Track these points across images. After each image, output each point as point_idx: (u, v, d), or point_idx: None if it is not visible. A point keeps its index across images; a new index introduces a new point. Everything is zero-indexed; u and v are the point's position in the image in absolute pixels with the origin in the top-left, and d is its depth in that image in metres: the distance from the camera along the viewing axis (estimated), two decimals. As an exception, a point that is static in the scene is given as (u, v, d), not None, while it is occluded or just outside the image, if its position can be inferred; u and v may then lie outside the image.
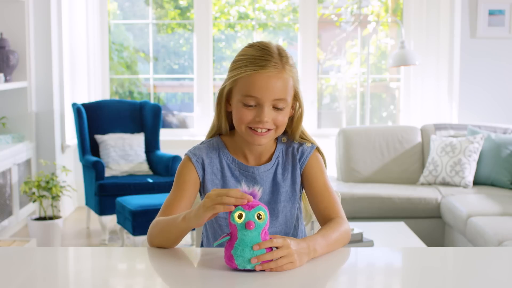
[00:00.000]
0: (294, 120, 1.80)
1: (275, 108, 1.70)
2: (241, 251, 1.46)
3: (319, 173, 1.80)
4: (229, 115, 1.79)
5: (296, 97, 1.76)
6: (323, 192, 1.78)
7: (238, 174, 1.79)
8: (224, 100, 1.77)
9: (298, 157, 1.81)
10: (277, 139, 1.83)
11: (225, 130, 1.82)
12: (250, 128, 1.71)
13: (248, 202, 1.48)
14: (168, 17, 6.39)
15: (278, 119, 1.71)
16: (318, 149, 1.84)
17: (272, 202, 1.80)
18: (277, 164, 1.81)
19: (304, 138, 1.83)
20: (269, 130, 1.72)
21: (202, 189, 1.79)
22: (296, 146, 1.82)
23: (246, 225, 1.46)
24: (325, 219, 1.75)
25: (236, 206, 1.48)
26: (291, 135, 1.83)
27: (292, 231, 1.83)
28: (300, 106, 1.78)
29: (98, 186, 4.82)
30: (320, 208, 1.77)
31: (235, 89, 1.72)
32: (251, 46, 1.73)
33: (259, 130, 1.71)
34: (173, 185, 1.77)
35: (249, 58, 1.70)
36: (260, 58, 1.68)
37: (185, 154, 1.80)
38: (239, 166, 1.80)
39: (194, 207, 1.58)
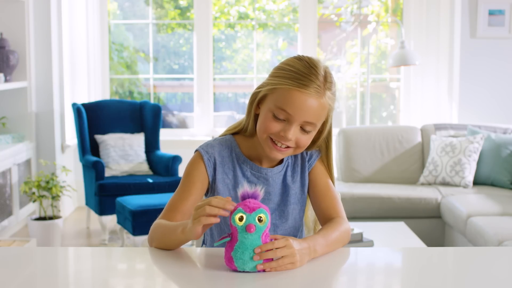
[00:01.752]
0: (316, 142, 1.78)
1: (302, 129, 1.67)
2: (241, 253, 1.46)
3: (323, 173, 1.80)
4: (256, 117, 1.75)
5: (324, 124, 1.72)
6: (326, 192, 1.78)
7: (250, 174, 1.78)
8: (256, 102, 1.73)
9: (307, 159, 1.81)
10: None
11: (250, 132, 1.78)
12: (271, 139, 1.69)
13: (247, 205, 1.46)
14: (168, 17, 6.39)
15: (302, 140, 1.68)
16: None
17: (281, 204, 1.79)
18: (287, 166, 1.80)
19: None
20: (288, 147, 1.69)
21: (211, 189, 1.78)
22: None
23: (247, 228, 1.45)
24: (326, 218, 1.75)
25: (234, 209, 1.47)
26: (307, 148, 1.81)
27: (299, 233, 1.83)
28: (323, 131, 1.75)
29: (98, 186, 4.82)
30: (322, 207, 1.77)
31: (270, 96, 1.67)
32: (300, 59, 1.67)
33: (279, 145, 1.68)
34: (180, 183, 1.75)
35: (294, 71, 1.64)
36: (305, 76, 1.63)
37: (197, 150, 1.77)
38: (252, 167, 1.78)
39: None
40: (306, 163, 1.80)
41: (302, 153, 1.81)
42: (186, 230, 1.55)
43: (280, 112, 1.65)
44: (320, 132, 1.75)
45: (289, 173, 1.80)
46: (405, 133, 5.14)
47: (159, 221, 1.70)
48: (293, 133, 1.66)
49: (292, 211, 1.79)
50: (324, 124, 1.73)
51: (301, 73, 1.64)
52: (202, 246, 1.92)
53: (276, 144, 1.68)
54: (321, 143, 1.79)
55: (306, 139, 1.69)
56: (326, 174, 1.81)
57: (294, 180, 1.80)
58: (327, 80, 1.66)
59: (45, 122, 5.25)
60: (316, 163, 1.81)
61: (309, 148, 1.80)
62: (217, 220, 1.47)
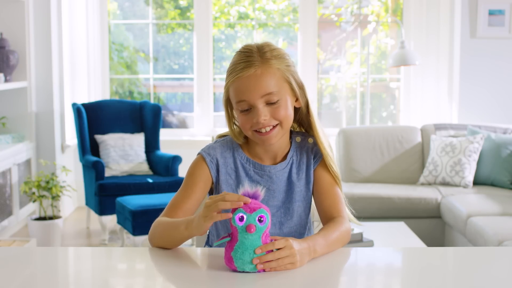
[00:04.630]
0: (300, 111, 1.79)
1: (270, 103, 1.69)
2: (241, 253, 1.46)
3: (328, 172, 1.80)
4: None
5: (292, 87, 1.72)
6: (329, 190, 1.78)
7: (253, 174, 1.78)
8: (227, 110, 1.77)
9: (312, 156, 1.81)
10: (291, 139, 1.82)
11: (241, 142, 1.79)
12: (255, 131, 1.70)
13: (248, 203, 1.47)
14: (168, 17, 6.39)
15: (277, 113, 1.69)
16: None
17: (287, 201, 1.79)
18: (292, 163, 1.80)
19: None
20: (274, 127, 1.70)
21: (215, 190, 1.78)
22: (310, 145, 1.81)
23: (247, 229, 1.45)
24: (327, 217, 1.75)
25: (235, 209, 1.47)
26: (306, 127, 1.82)
27: (306, 231, 1.83)
28: (300, 95, 1.75)
29: (98, 186, 4.82)
30: (324, 206, 1.77)
31: (230, 98, 1.74)
32: (236, 52, 1.74)
33: (263, 130, 1.70)
34: (182, 183, 1.76)
35: (232, 65, 1.71)
36: (240, 62, 1.68)
37: (199, 153, 1.78)
38: (254, 165, 1.78)
39: (198, 212, 1.57)
40: (312, 160, 1.80)
41: (307, 150, 1.81)
42: (192, 226, 1.55)
43: (240, 105, 1.69)
44: (295, 97, 1.75)
45: (294, 170, 1.80)
46: (405, 133, 5.14)
47: (160, 219, 1.70)
48: (262, 112, 1.68)
49: (297, 209, 1.79)
50: (292, 87, 1.73)
51: (237, 63, 1.69)
52: (205, 246, 1.91)
53: (261, 132, 1.70)
54: (304, 108, 1.78)
55: (282, 110, 1.70)
56: (331, 172, 1.80)
57: (300, 177, 1.80)
58: (263, 51, 1.69)
59: (45, 122, 5.25)
60: (322, 161, 1.81)
61: (304, 120, 1.80)
62: (229, 215, 1.47)
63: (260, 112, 1.67)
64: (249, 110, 1.69)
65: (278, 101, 1.69)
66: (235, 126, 1.80)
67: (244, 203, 1.46)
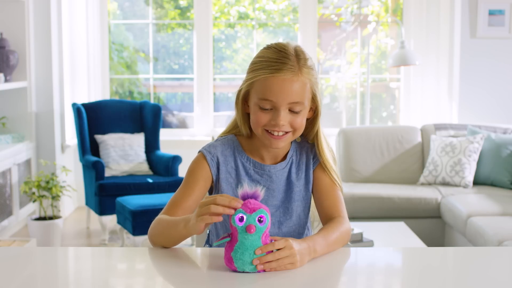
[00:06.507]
0: (315, 121, 1.78)
1: (292, 111, 1.68)
2: (240, 254, 1.46)
3: (327, 172, 1.80)
4: (248, 116, 1.76)
5: (314, 100, 1.73)
6: (329, 190, 1.78)
7: (253, 173, 1.78)
8: (242, 102, 1.75)
9: (312, 156, 1.81)
10: None
11: (245, 133, 1.79)
12: (267, 131, 1.70)
13: (242, 205, 1.46)
14: (168, 17, 6.39)
15: (295, 121, 1.69)
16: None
17: (286, 201, 1.79)
18: (291, 163, 1.80)
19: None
20: (286, 133, 1.70)
21: (215, 189, 1.78)
22: (310, 145, 1.82)
23: (247, 229, 1.45)
24: (327, 217, 1.75)
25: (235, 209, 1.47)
26: (305, 135, 1.81)
27: (306, 231, 1.83)
28: (316, 108, 1.75)
29: (98, 186, 4.82)
30: (324, 206, 1.77)
31: (252, 91, 1.71)
32: (268, 48, 1.70)
33: (276, 133, 1.69)
34: (183, 182, 1.76)
35: (265, 60, 1.67)
36: (276, 61, 1.66)
37: (199, 151, 1.78)
38: (254, 165, 1.79)
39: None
40: (311, 160, 1.81)
41: (307, 150, 1.81)
42: (189, 226, 1.55)
43: (264, 103, 1.67)
44: (315, 110, 1.76)
45: (293, 170, 1.80)
46: (405, 133, 5.14)
47: (160, 217, 1.70)
48: (283, 118, 1.67)
49: (296, 208, 1.80)
50: (315, 100, 1.73)
51: (272, 60, 1.67)
52: (205, 246, 1.91)
53: (273, 134, 1.70)
54: (318, 121, 1.78)
55: (300, 120, 1.70)
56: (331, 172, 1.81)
57: (299, 177, 1.80)
58: (299, 58, 1.68)
59: (45, 122, 5.25)
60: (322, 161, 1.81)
61: (309, 129, 1.79)
62: (220, 219, 1.47)
63: (282, 116, 1.67)
64: (269, 109, 1.68)
65: (301, 111, 1.69)
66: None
67: (243, 204, 1.46)
